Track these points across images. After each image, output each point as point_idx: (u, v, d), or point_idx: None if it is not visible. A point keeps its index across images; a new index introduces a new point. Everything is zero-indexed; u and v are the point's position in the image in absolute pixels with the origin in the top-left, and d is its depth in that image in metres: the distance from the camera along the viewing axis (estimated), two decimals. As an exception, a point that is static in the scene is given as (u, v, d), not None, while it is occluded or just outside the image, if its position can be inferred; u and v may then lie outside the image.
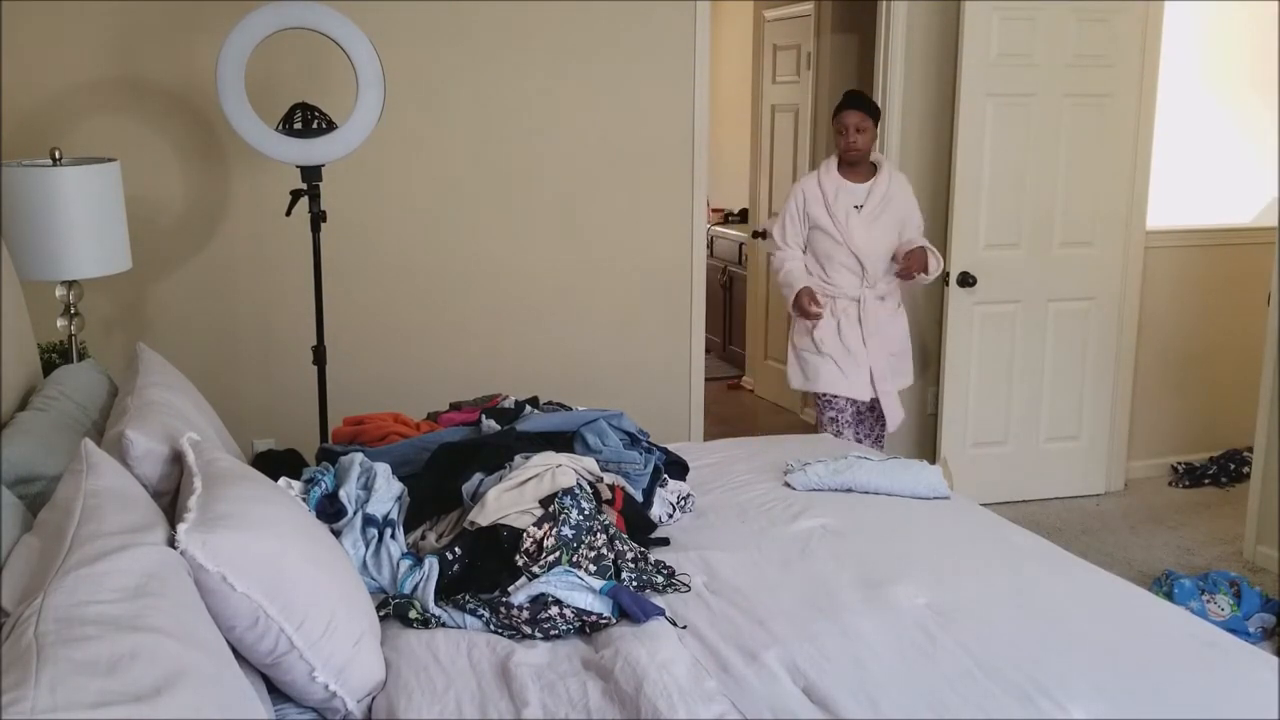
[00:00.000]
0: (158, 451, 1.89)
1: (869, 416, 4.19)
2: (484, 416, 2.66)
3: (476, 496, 2.20)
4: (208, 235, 3.94)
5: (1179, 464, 5.12)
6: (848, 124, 3.99)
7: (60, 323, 3.10)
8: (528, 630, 1.94)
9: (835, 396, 4.08)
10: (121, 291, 3.80)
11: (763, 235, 6.47)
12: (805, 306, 3.98)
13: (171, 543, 1.54)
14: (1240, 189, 5.36)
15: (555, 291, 4.30)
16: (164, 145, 3.84)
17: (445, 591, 2.03)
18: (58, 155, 2.99)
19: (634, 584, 2.08)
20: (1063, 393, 4.74)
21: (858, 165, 4.07)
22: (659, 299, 4.44)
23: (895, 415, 4.11)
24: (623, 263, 4.36)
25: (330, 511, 2.11)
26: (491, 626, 1.95)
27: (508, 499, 2.14)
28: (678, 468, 2.77)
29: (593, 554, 2.08)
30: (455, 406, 2.87)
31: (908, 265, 4.02)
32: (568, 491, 2.17)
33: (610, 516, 2.25)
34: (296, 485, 2.18)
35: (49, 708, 1.10)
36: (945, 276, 4.57)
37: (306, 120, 3.48)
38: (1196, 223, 5.17)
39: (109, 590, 1.34)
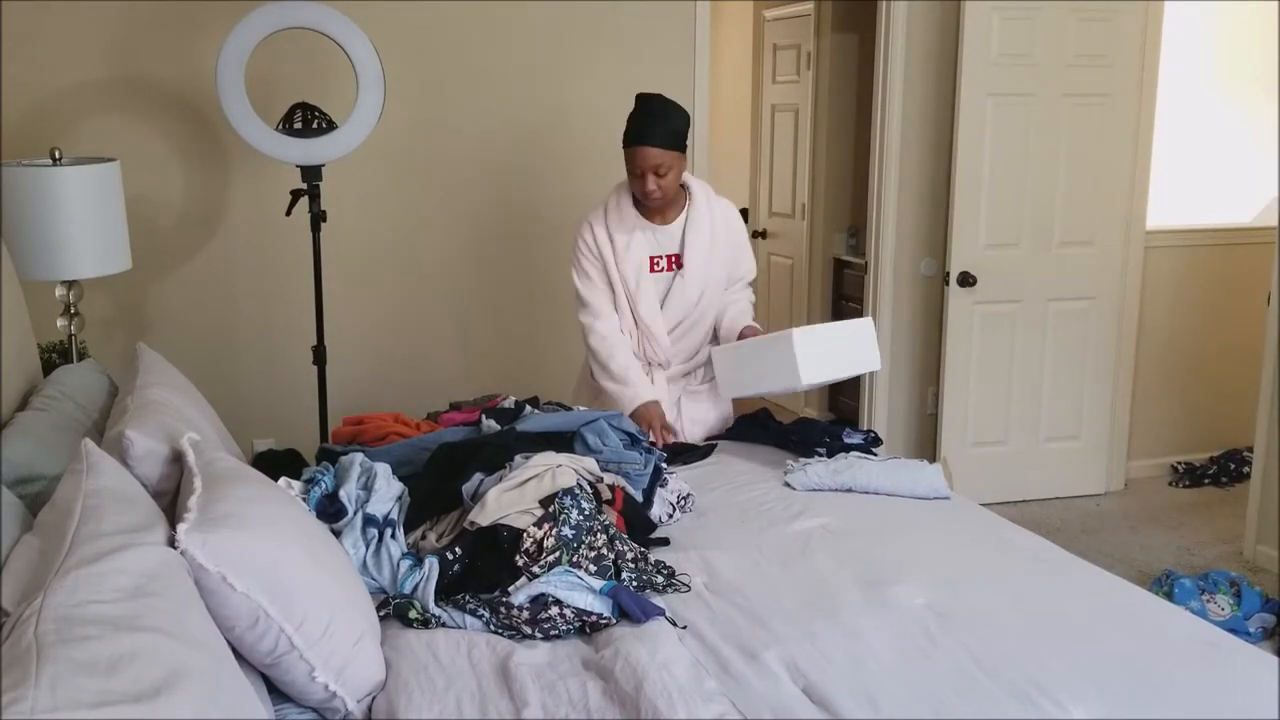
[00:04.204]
0: (158, 451, 1.89)
1: None
2: (484, 416, 2.66)
3: (476, 496, 2.20)
4: (208, 235, 3.94)
5: (1179, 464, 5.12)
6: (642, 167, 2.92)
7: (60, 323, 3.10)
8: (528, 630, 1.93)
9: None
10: (121, 291, 3.80)
11: (762, 235, 6.47)
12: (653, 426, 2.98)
13: (171, 543, 1.53)
14: (1240, 189, 5.36)
15: (556, 291, 4.30)
16: (164, 145, 3.84)
17: (445, 591, 2.03)
18: (58, 155, 2.99)
19: (634, 584, 2.08)
20: (1063, 393, 4.74)
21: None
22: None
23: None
24: (623, 263, 4.35)
25: (330, 511, 2.11)
26: (491, 626, 1.95)
27: (508, 499, 2.14)
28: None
29: (593, 554, 2.08)
30: (455, 406, 2.87)
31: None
32: (568, 491, 2.17)
33: (610, 516, 2.25)
34: (296, 485, 2.18)
35: (49, 708, 1.10)
36: (945, 276, 4.57)
37: (306, 120, 3.48)
38: (1196, 223, 5.17)
39: (109, 590, 1.34)
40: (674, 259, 3.08)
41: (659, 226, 3.07)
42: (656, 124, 2.93)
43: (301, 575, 1.67)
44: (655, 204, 3.01)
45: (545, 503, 2.15)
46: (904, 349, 4.80)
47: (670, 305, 3.09)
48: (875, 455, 2.91)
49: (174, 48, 3.78)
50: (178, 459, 1.88)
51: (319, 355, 3.69)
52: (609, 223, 3.05)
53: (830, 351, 2.88)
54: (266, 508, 1.75)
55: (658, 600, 2.06)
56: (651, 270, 3.07)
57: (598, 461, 2.40)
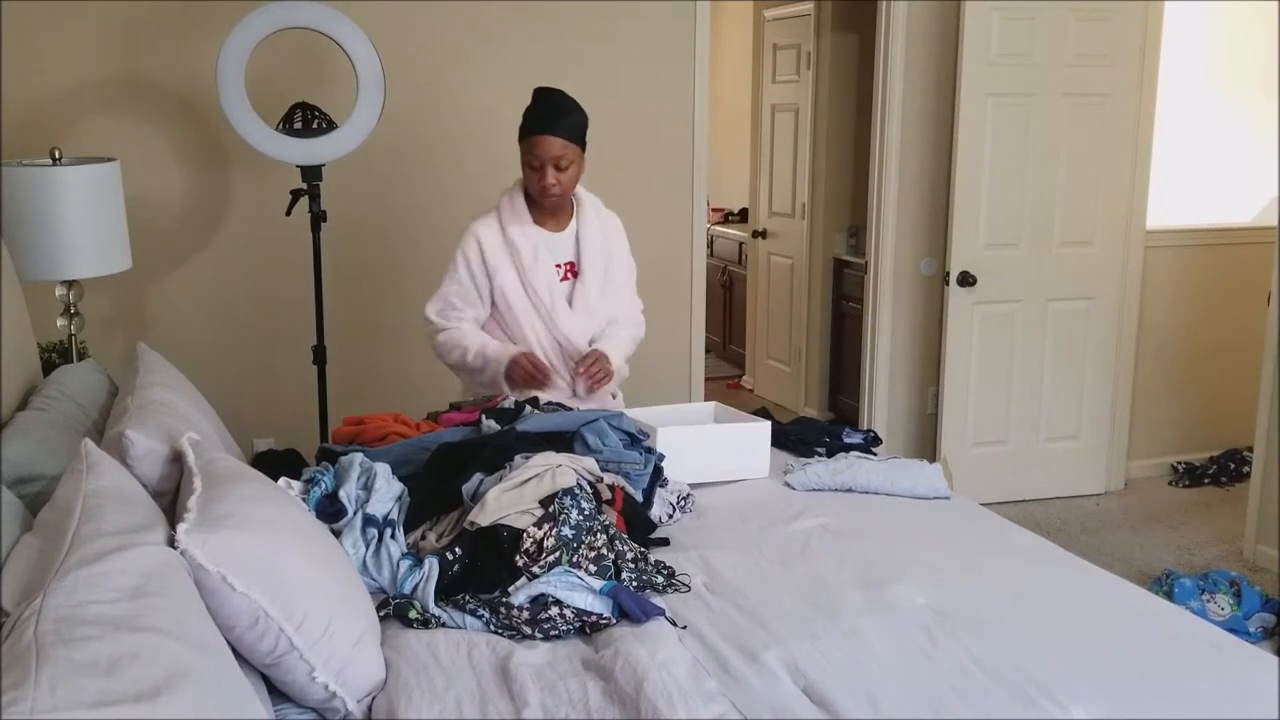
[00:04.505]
0: (158, 451, 1.89)
1: None
2: (484, 416, 2.66)
3: (476, 497, 2.20)
4: (208, 235, 3.94)
5: (1179, 464, 5.12)
6: (543, 158, 2.81)
7: (60, 323, 3.10)
8: (528, 630, 1.93)
9: None
10: (121, 291, 3.80)
11: (762, 235, 6.47)
12: (529, 370, 2.87)
13: (171, 543, 1.53)
14: (1240, 189, 5.36)
15: (555, 291, 4.30)
16: (164, 145, 3.84)
17: (445, 592, 2.03)
18: (58, 155, 2.99)
19: (634, 584, 2.08)
20: (1062, 392, 4.74)
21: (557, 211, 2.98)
22: (659, 298, 4.43)
23: None
24: (623, 263, 4.35)
25: (330, 511, 2.11)
26: (491, 627, 1.95)
27: (508, 499, 2.14)
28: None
29: (593, 554, 2.08)
30: (455, 406, 2.86)
31: (591, 372, 2.90)
32: (568, 492, 2.17)
33: (610, 516, 2.24)
34: (296, 485, 2.18)
35: (49, 708, 1.10)
36: (945, 276, 4.57)
37: (306, 120, 3.48)
38: (1196, 223, 5.17)
39: (109, 590, 1.34)
40: (570, 266, 2.98)
41: (552, 234, 2.95)
42: (561, 116, 2.82)
43: (301, 575, 1.67)
44: (552, 202, 2.88)
45: (545, 503, 2.15)
46: (904, 349, 4.80)
47: (576, 315, 2.97)
48: (875, 455, 2.91)
49: (174, 48, 3.78)
50: (178, 459, 1.88)
51: (319, 355, 3.69)
52: (507, 232, 2.89)
53: (709, 453, 2.73)
54: (266, 508, 1.75)
55: (658, 600, 2.06)
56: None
57: (598, 461, 2.39)
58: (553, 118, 2.81)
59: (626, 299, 3.14)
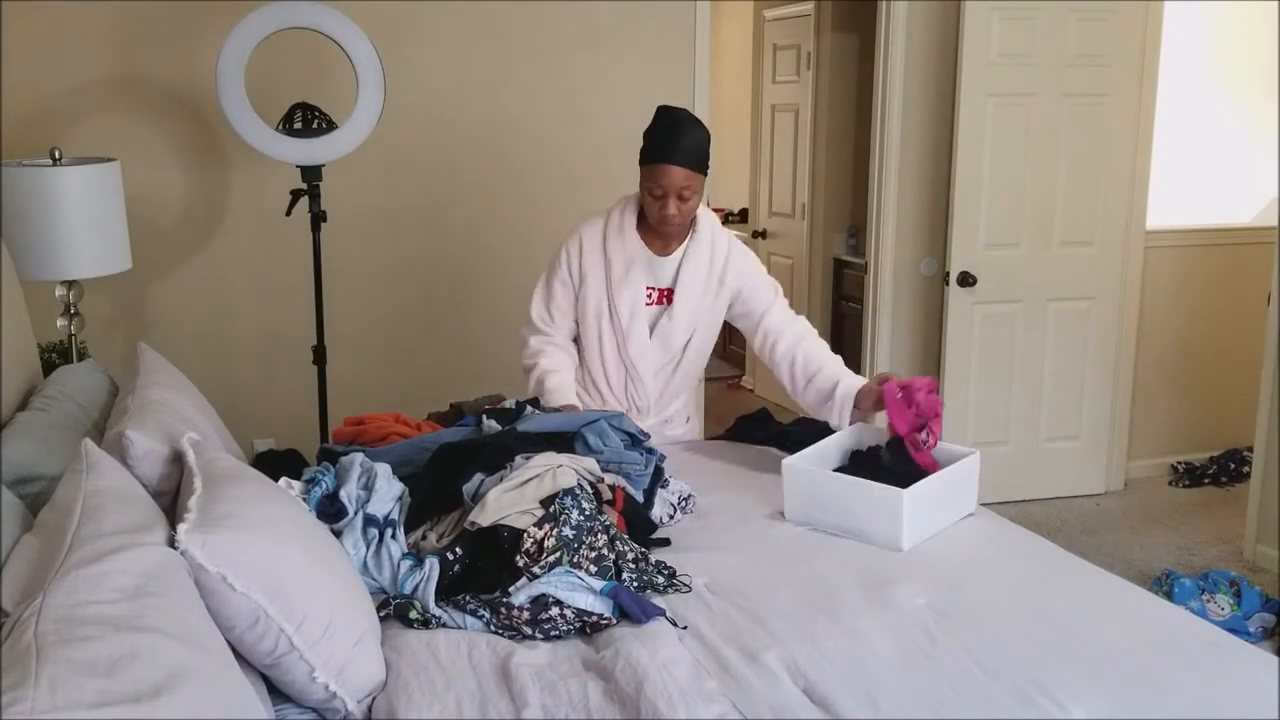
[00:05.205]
0: (158, 451, 1.89)
1: None
2: (485, 417, 2.66)
3: (477, 497, 2.20)
4: (208, 235, 3.94)
5: (1179, 464, 5.12)
6: (666, 188, 2.68)
7: (60, 323, 3.10)
8: (528, 631, 1.93)
9: None
10: (121, 291, 3.80)
11: (762, 235, 6.47)
12: None
13: (171, 543, 1.53)
14: (1240, 189, 5.36)
15: (555, 291, 4.30)
16: (164, 145, 3.84)
17: (446, 592, 2.03)
18: (58, 155, 2.99)
19: (635, 584, 2.08)
20: (1063, 392, 4.74)
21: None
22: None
23: None
24: (623, 263, 4.35)
25: (330, 511, 2.11)
26: (492, 627, 1.95)
27: (508, 499, 2.14)
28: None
29: (593, 554, 2.08)
30: (455, 407, 2.87)
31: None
32: (568, 492, 2.17)
33: (611, 517, 2.24)
34: (296, 485, 2.18)
35: (49, 708, 1.10)
36: (945, 276, 4.57)
37: (306, 120, 3.48)
38: (1196, 223, 5.17)
39: (109, 590, 1.34)
40: (665, 294, 2.85)
41: (656, 257, 2.81)
42: (685, 140, 2.65)
43: (302, 575, 1.67)
44: (672, 231, 2.77)
45: (546, 503, 2.15)
46: (904, 349, 4.80)
47: (653, 344, 2.88)
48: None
49: (174, 48, 3.78)
50: (178, 459, 1.88)
51: (319, 355, 3.69)
52: (608, 244, 2.79)
53: (935, 505, 2.38)
54: (266, 508, 1.75)
55: (658, 601, 2.06)
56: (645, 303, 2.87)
57: (598, 462, 2.39)
58: (676, 143, 2.65)
59: (780, 311, 2.96)
